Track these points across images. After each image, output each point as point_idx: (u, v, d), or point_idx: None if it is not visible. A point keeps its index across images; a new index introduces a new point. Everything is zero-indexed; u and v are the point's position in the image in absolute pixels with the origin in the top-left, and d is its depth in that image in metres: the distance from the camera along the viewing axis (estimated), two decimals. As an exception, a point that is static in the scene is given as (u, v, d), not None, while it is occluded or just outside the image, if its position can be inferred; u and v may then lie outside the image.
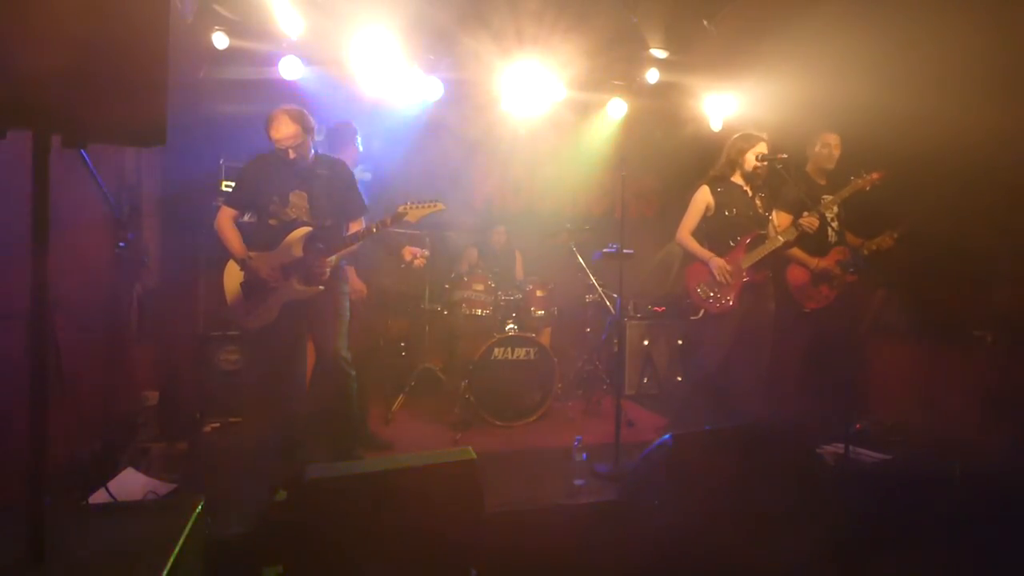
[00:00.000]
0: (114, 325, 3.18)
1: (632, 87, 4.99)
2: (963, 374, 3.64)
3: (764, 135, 3.42)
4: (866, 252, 3.59)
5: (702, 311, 3.42)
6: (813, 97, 3.87)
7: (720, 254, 3.39)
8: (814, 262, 3.56)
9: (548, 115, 4.95)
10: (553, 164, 5.65)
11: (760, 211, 3.45)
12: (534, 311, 4.30)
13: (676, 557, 2.29)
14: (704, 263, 3.41)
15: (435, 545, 1.97)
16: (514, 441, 3.67)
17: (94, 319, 2.93)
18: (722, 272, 3.33)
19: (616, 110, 5.12)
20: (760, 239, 3.38)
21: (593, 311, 4.76)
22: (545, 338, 4.45)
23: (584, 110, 5.21)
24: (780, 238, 3.34)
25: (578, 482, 2.72)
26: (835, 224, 3.52)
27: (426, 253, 3.66)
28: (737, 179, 3.46)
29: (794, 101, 4.03)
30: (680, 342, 4.96)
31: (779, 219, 3.50)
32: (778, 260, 3.52)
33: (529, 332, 4.10)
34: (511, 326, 4.08)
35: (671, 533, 2.33)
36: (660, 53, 4.61)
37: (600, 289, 4.35)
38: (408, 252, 3.59)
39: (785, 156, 3.28)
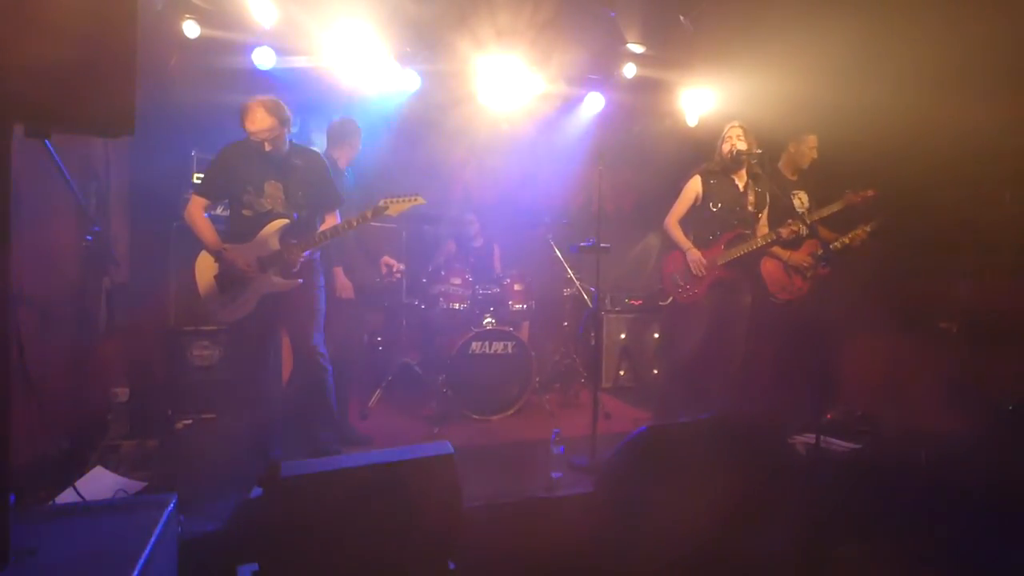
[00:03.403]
0: (82, 320, 3.10)
1: (609, 81, 5.00)
2: (929, 364, 3.74)
3: (736, 122, 3.45)
4: (840, 246, 3.65)
5: (671, 298, 3.48)
6: (788, 93, 3.92)
7: (700, 246, 3.42)
8: (786, 254, 3.62)
9: (526, 108, 4.94)
10: (531, 158, 5.64)
11: (750, 209, 3.45)
12: (512, 305, 4.30)
13: (652, 548, 2.32)
14: (682, 252, 3.45)
15: (413, 539, 1.96)
16: (492, 435, 3.69)
17: (61, 314, 2.86)
18: (697, 265, 3.37)
19: (593, 104, 5.13)
20: (741, 238, 3.40)
21: (571, 304, 4.78)
22: (523, 332, 4.45)
23: (562, 104, 5.21)
24: (760, 240, 3.38)
25: (555, 475, 2.74)
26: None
27: (402, 267, 3.73)
28: (732, 173, 3.46)
29: (769, 97, 4.08)
30: (656, 335, 5.02)
31: None
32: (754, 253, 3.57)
33: (507, 326, 4.10)
34: (489, 320, 4.07)
35: (647, 524, 2.36)
36: (637, 48, 4.63)
37: (577, 283, 4.37)
38: (384, 265, 3.61)
39: (760, 151, 3.32)
